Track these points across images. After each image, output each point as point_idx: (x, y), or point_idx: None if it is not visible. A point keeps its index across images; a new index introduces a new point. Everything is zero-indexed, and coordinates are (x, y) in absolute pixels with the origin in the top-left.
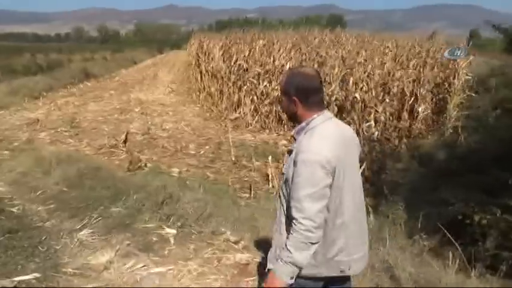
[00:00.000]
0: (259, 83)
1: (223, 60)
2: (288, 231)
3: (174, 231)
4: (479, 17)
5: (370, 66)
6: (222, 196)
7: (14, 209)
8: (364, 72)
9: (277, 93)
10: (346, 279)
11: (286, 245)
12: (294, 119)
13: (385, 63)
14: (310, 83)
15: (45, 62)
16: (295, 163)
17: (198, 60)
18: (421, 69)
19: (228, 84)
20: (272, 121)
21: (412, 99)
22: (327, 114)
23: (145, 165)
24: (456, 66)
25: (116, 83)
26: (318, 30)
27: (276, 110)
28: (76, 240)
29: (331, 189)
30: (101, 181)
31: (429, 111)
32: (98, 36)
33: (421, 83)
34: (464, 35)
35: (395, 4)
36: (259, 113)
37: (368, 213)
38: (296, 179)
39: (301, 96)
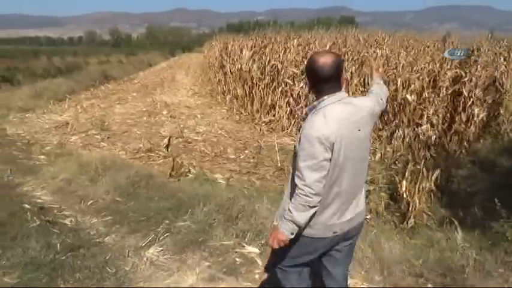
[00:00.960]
0: (294, 84)
1: (254, 61)
2: (293, 195)
3: (256, 249)
4: (491, 18)
5: (416, 65)
6: None
7: (67, 221)
8: (414, 72)
9: None
10: (350, 237)
11: (289, 207)
12: (315, 96)
13: (428, 62)
14: (319, 71)
15: (63, 65)
16: (300, 137)
17: (222, 61)
18: (469, 69)
19: (259, 86)
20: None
21: (467, 100)
22: (339, 95)
23: (189, 171)
24: (506, 66)
25: (136, 86)
26: (350, 29)
27: None
28: (145, 259)
29: (330, 163)
30: (156, 190)
31: (485, 113)
32: (110, 39)
33: (474, 83)
34: (477, 35)
35: (406, 5)
36: (296, 115)
37: (455, 228)
38: (299, 151)
39: (311, 81)
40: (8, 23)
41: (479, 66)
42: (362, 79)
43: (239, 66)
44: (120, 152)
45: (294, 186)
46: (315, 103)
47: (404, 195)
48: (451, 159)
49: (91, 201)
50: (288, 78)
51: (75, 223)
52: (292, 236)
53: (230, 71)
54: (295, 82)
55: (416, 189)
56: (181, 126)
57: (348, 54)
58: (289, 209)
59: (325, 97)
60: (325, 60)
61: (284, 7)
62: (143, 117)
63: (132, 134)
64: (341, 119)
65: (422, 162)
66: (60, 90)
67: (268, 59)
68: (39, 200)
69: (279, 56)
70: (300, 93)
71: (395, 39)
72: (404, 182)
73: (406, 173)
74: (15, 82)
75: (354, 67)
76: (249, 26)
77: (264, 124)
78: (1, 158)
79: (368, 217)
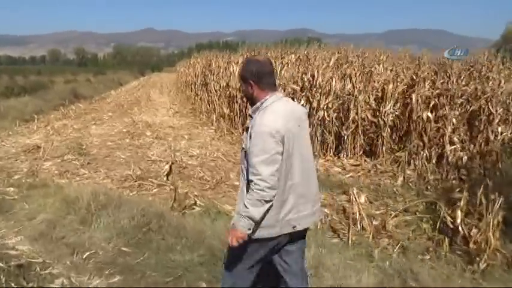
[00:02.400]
0: (295, 101)
1: None
2: (247, 194)
3: None
4: (449, 41)
5: (429, 81)
6: (324, 246)
7: (57, 284)
8: (431, 88)
9: (321, 112)
10: (301, 237)
11: (244, 203)
12: (252, 101)
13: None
14: (263, 68)
15: (26, 84)
16: (250, 136)
17: (205, 79)
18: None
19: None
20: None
21: (489, 117)
22: (278, 94)
23: (195, 203)
24: None
25: (110, 105)
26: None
27: (319, 132)
28: None
29: (282, 156)
30: (173, 234)
31: (510, 131)
32: (75, 58)
33: (496, 98)
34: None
35: (368, 28)
36: None
37: None
38: (251, 148)
39: (256, 79)
40: None
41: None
42: (368, 96)
43: (224, 83)
44: (104, 181)
45: (247, 184)
46: (257, 104)
47: (465, 230)
48: (507, 183)
49: (88, 253)
50: (288, 95)
51: (70, 286)
52: (250, 232)
53: (214, 88)
54: (296, 100)
55: (487, 222)
56: (172, 149)
57: (354, 70)
58: (245, 205)
59: (268, 96)
60: (263, 59)
61: (251, 28)
62: (125, 139)
63: (115, 159)
64: (286, 114)
65: (481, 189)
66: (26, 110)
67: None
68: (13, 252)
69: (276, 72)
70: None
71: (390, 56)
72: (459, 213)
73: (461, 202)
74: None
75: (361, 84)
76: (218, 46)
77: None
78: None
79: (427, 257)
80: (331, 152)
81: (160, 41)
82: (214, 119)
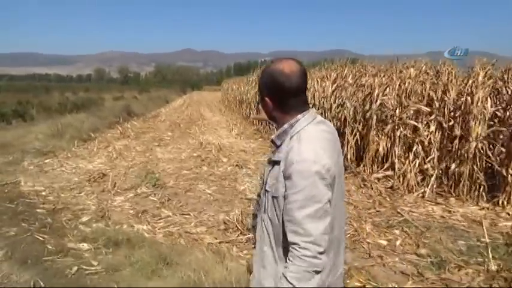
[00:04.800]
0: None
1: (336, 97)
2: (279, 261)
3: None
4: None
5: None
6: None
7: None
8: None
9: (473, 143)
10: None
11: (285, 278)
12: (273, 120)
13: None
14: (287, 82)
15: (78, 100)
16: (286, 176)
17: None
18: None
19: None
20: (461, 184)
21: None
22: (312, 113)
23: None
24: None
25: (166, 123)
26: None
27: (467, 169)
28: None
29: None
30: None
31: None
32: (118, 77)
33: None
34: None
35: (396, 50)
36: (420, 170)
37: None
38: (293, 196)
39: (275, 96)
40: (20, 60)
41: None
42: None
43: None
44: (198, 229)
45: (284, 245)
46: (285, 126)
47: None
48: None
49: None
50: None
51: None
52: None
53: None
54: (422, 123)
55: None
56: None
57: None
58: (287, 281)
59: (299, 116)
60: (292, 69)
61: (286, 49)
62: (202, 167)
63: (201, 195)
64: (329, 143)
65: None
66: (83, 128)
67: (378, 92)
68: None
69: (392, 89)
70: (432, 141)
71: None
72: None
73: None
74: (27, 117)
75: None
76: (256, 66)
77: (377, 182)
78: (15, 247)
79: None
80: (485, 197)
81: (198, 60)
82: None
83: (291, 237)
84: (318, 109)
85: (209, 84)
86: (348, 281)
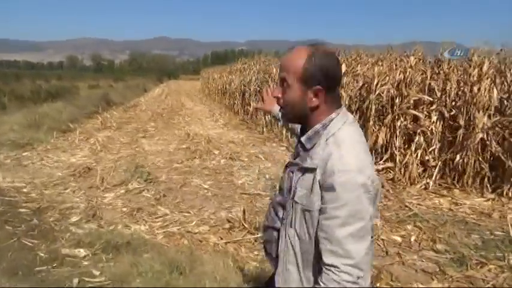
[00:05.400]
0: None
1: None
2: (305, 282)
3: None
4: None
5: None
6: None
7: None
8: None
9: (479, 135)
10: None
11: None
12: (299, 120)
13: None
14: (339, 71)
15: (51, 89)
16: (326, 188)
17: (260, 86)
18: None
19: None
20: (466, 175)
21: None
22: (345, 111)
23: None
24: None
25: (147, 113)
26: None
27: (471, 160)
28: None
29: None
30: None
31: None
32: (91, 65)
33: None
34: None
35: (384, 39)
36: (421, 161)
37: None
38: (334, 211)
39: (324, 87)
40: None
41: None
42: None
43: None
44: (200, 228)
45: (313, 265)
46: (316, 127)
47: None
48: None
49: None
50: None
51: None
52: None
53: None
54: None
55: None
56: (267, 176)
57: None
58: None
59: (333, 115)
60: (334, 51)
61: (263, 38)
62: (193, 159)
63: (197, 190)
64: (365, 147)
65: None
66: (61, 118)
67: (377, 82)
68: None
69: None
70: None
71: None
72: None
73: None
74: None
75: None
76: (234, 55)
77: (378, 174)
78: (1, 255)
79: None
80: (489, 188)
81: (173, 49)
82: (283, 134)
83: (327, 258)
84: None
85: (185, 73)
86: (378, 284)
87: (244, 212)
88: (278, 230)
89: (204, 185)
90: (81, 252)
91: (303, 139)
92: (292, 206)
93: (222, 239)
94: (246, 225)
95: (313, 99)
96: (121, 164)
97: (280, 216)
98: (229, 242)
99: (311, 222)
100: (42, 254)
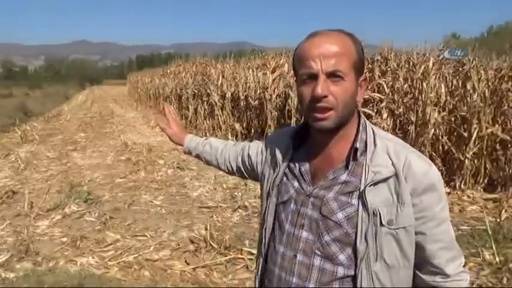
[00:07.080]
0: None
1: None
2: None
3: None
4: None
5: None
6: None
7: None
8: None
9: (431, 130)
10: None
11: None
12: (342, 125)
13: None
14: None
15: None
16: (419, 190)
17: (203, 89)
18: None
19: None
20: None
21: None
22: None
23: None
24: None
25: (74, 123)
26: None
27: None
28: None
29: None
30: None
31: None
32: (1, 71)
33: None
34: None
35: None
36: None
37: None
38: (442, 212)
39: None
40: None
41: None
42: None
43: (230, 93)
44: (161, 254)
45: None
46: (370, 132)
47: None
48: None
49: None
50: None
51: None
52: None
53: (215, 101)
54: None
55: None
56: (224, 186)
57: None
58: None
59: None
60: None
61: (188, 41)
62: (138, 172)
63: (149, 208)
64: None
65: None
66: None
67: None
68: None
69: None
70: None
71: None
72: None
73: None
74: None
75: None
76: (160, 59)
77: None
78: None
79: None
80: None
81: (94, 53)
82: (230, 137)
83: (449, 268)
84: (255, 100)
85: (109, 78)
86: None
87: (207, 229)
88: None
89: (155, 201)
90: None
91: (358, 145)
92: (375, 235)
93: (188, 264)
94: (213, 245)
95: (361, 92)
96: (52, 184)
97: (339, 261)
98: (197, 267)
99: (409, 243)
100: None
